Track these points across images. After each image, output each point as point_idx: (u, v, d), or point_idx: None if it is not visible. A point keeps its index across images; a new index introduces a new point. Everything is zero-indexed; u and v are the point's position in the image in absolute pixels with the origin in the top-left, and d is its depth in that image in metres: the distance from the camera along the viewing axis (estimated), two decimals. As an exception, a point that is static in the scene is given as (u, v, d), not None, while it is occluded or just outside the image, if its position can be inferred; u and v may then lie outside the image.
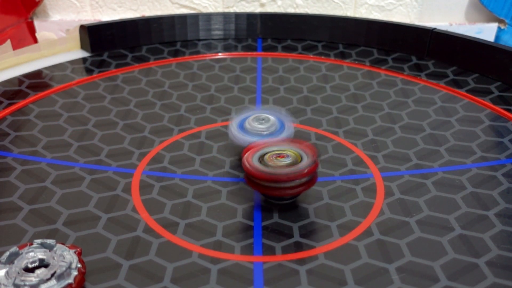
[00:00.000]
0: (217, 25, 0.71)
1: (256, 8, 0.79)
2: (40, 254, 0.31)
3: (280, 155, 0.38)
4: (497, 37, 0.80)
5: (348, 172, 0.44)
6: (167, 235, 0.36)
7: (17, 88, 0.57)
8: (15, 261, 0.31)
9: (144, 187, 0.41)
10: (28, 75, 0.60)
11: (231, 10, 0.79)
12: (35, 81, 0.58)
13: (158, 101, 0.55)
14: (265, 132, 0.43)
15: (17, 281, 0.29)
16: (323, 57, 0.66)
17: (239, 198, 0.40)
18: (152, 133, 0.49)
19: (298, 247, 0.35)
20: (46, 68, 0.62)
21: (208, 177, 0.43)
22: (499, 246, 0.35)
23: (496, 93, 0.57)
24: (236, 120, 0.44)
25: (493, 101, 0.55)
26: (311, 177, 0.38)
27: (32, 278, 0.29)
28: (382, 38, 0.68)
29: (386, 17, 0.80)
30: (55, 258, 0.31)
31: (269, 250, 0.35)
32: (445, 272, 0.33)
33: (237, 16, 0.71)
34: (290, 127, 0.44)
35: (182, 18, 0.70)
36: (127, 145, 0.47)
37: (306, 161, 0.37)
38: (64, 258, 0.31)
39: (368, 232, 0.37)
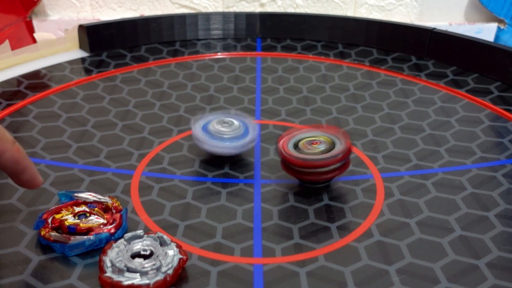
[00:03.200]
0: (216, 25, 0.71)
1: (256, 8, 0.79)
2: (153, 246, 0.33)
3: (313, 142, 0.40)
4: (496, 37, 0.80)
5: (348, 173, 0.43)
6: (166, 237, 0.36)
7: (15, 88, 0.57)
8: (131, 243, 0.33)
9: (144, 188, 0.41)
10: (27, 76, 0.60)
11: (231, 10, 0.79)
12: (34, 81, 0.58)
13: (157, 101, 0.55)
14: (228, 136, 0.43)
15: (120, 265, 0.31)
16: (322, 57, 0.66)
17: (238, 199, 0.40)
18: (151, 134, 0.49)
19: (298, 248, 0.35)
20: (44, 68, 0.61)
21: (207, 178, 0.43)
22: (500, 248, 0.35)
23: (496, 93, 0.57)
24: (200, 122, 0.44)
25: (493, 101, 0.55)
26: (345, 162, 0.39)
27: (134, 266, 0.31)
28: (381, 38, 0.68)
29: (386, 17, 0.80)
30: (160, 256, 0.32)
31: (269, 252, 0.35)
32: (446, 273, 0.33)
33: (237, 16, 0.71)
34: (255, 131, 0.44)
35: (181, 18, 0.69)
36: (126, 146, 0.47)
37: (340, 147, 0.39)
38: (167, 257, 0.32)
39: (368, 234, 0.37)
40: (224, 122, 0.44)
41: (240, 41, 0.70)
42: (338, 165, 0.39)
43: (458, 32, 0.64)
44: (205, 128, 0.44)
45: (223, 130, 0.43)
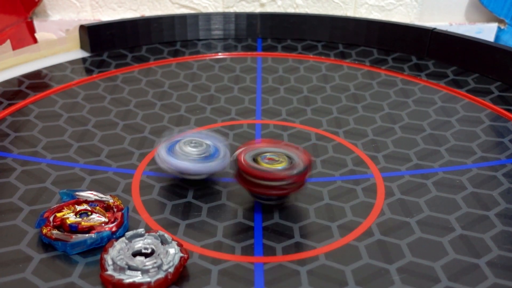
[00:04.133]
0: (217, 25, 0.71)
1: (256, 8, 0.79)
2: (154, 245, 0.33)
3: (273, 159, 0.38)
4: (497, 37, 0.80)
5: (349, 172, 0.44)
6: (167, 236, 0.36)
7: (16, 88, 0.57)
8: (132, 241, 0.33)
9: (144, 188, 0.41)
10: (28, 75, 0.60)
11: (231, 10, 0.79)
12: (35, 81, 0.58)
13: (158, 101, 0.55)
14: (196, 156, 0.40)
15: (121, 263, 0.31)
16: (323, 57, 0.66)
17: (239, 198, 0.40)
18: (152, 134, 0.49)
19: (298, 247, 0.35)
20: (45, 68, 0.62)
21: (208, 177, 0.43)
22: (500, 247, 0.35)
23: (496, 93, 0.57)
24: (166, 143, 0.41)
25: (493, 101, 0.55)
26: (298, 184, 0.37)
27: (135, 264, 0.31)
28: (382, 38, 0.68)
29: (386, 17, 0.80)
30: (161, 254, 0.32)
31: (269, 251, 0.35)
32: (446, 272, 0.33)
33: (237, 16, 0.71)
34: (226, 155, 0.41)
35: (182, 18, 0.70)
36: (127, 145, 0.47)
37: (299, 167, 0.37)
38: (168, 255, 0.32)
39: (368, 233, 0.37)
40: (193, 142, 0.41)
41: (241, 41, 0.70)
42: (288, 182, 0.36)
43: (458, 32, 0.64)
44: (170, 150, 0.40)
45: (192, 151, 0.40)
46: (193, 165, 0.39)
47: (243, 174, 0.37)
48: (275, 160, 0.38)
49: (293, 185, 0.37)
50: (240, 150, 0.39)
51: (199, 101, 0.55)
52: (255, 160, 0.38)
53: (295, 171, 0.36)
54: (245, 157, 0.38)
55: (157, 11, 0.80)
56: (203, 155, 0.40)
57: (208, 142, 0.41)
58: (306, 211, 0.39)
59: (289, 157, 0.38)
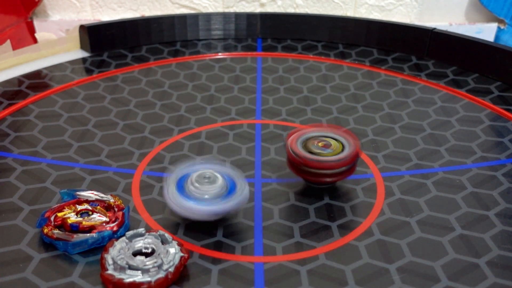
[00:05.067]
0: (217, 25, 0.71)
1: (256, 8, 0.79)
2: (154, 244, 0.33)
3: (322, 143, 0.40)
4: (497, 37, 0.80)
5: (349, 172, 0.44)
6: (167, 236, 0.36)
7: (17, 88, 0.57)
8: (133, 241, 0.33)
9: (145, 188, 0.41)
10: (28, 75, 0.60)
11: (231, 10, 0.79)
12: (35, 81, 0.58)
13: (158, 101, 0.55)
14: (209, 196, 0.34)
15: (121, 262, 0.31)
16: (323, 57, 0.66)
17: (239, 198, 0.40)
18: (152, 134, 0.49)
19: (298, 247, 0.35)
20: (45, 68, 0.62)
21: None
22: (500, 246, 0.35)
23: (496, 93, 0.57)
24: (173, 179, 0.36)
25: (493, 101, 0.55)
26: (351, 166, 0.39)
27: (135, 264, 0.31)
28: (382, 38, 0.68)
29: (386, 17, 0.80)
30: (161, 253, 0.32)
31: (269, 250, 0.35)
32: (446, 272, 0.33)
33: (237, 16, 0.71)
34: (244, 189, 0.36)
35: (182, 18, 0.70)
36: (127, 145, 0.47)
37: (348, 150, 0.39)
38: (168, 254, 0.32)
39: (368, 232, 0.37)
40: (205, 177, 0.35)
41: (241, 41, 0.70)
42: (344, 169, 0.39)
43: (458, 32, 0.64)
44: (181, 188, 0.35)
45: (205, 190, 0.35)
46: (214, 206, 0.34)
47: (295, 164, 0.39)
48: (326, 146, 0.39)
49: (346, 171, 0.39)
50: (290, 138, 0.40)
51: (199, 101, 0.55)
52: (306, 147, 0.40)
53: (347, 156, 0.38)
54: (296, 146, 0.39)
55: (157, 11, 0.80)
56: (221, 193, 0.35)
57: (220, 175, 0.36)
58: (306, 211, 0.39)
59: (337, 140, 0.40)
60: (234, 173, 0.37)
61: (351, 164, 0.39)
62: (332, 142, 0.40)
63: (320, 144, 0.40)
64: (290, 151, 0.39)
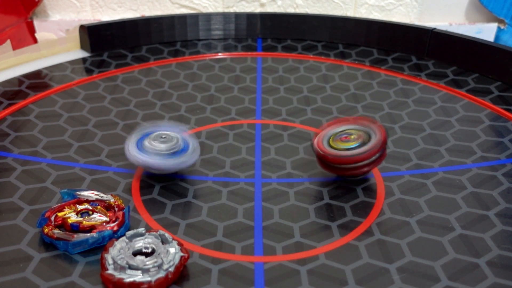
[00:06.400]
0: (217, 25, 0.71)
1: (256, 8, 0.79)
2: (154, 244, 0.33)
3: (346, 137, 0.40)
4: (497, 37, 0.80)
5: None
6: (167, 235, 0.36)
7: (17, 88, 0.57)
8: (133, 241, 0.33)
9: (145, 187, 0.41)
10: (28, 75, 0.60)
11: (231, 10, 0.79)
12: (35, 81, 0.58)
13: (158, 101, 0.55)
14: (165, 152, 0.39)
15: (121, 262, 0.31)
16: (323, 57, 0.66)
17: (239, 198, 0.40)
18: (153, 133, 0.49)
19: (298, 247, 0.35)
20: (46, 68, 0.62)
21: (208, 177, 0.43)
22: (500, 246, 0.35)
23: (496, 93, 0.57)
24: (134, 138, 0.41)
25: (493, 101, 0.55)
26: (381, 153, 0.40)
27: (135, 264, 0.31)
28: (382, 38, 0.68)
29: (386, 17, 0.80)
30: (162, 253, 0.32)
31: (269, 250, 0.35)
32: (446, 272, 0.33)
33: (237, 16, 0.71)
34: (195, 149, 0.41)
35: (182, 18, 0.70)
36: (127, 145, 0.47)
37: (374, 139, 0.39)
38: (168, 254, 0.32)
39: (368, 232, 0.37)
40: (162, 137, 0.40)
41: (241, 41, 0.70)
42: (374, 158, 0.39)
43: (458, 32, 0.64)
44: (139, 145, 0.40)
45: (161, 147, 0.39)
46: (163, 162, 0.39)
47: (323, 161, 0.40)
48: (349, 138, 0.40)
49: (374, 161, 0.40)
50: (317, 136, 0.41)
51: (199, 101, 0.55)
52: (330, 143, 0.40)
53: (370, 148, 0.39)
54: (322, 142, 0.40)
55: (157, 11, 0.80)
56: (172, 151, 0.39)
57: (178, 136, 0.41)
58: (306, 211, 0.39)
59: (363, 131, 0.41)
60: (190, 137, 0.42)
61: (381, 151, 0.40)
62: (355, 133, 0.41)
63: (347, 138, 0.40)
64: (319, 150, 0.40)
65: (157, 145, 0.39)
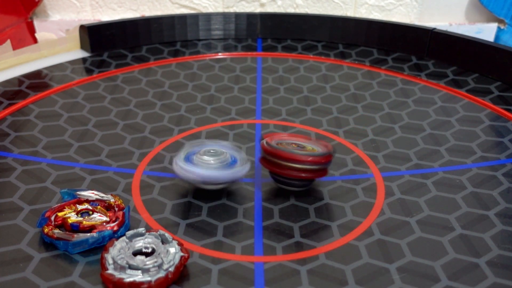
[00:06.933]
0: (217, 25, 0.71)
1: (256, 8, 0.79)
2: (154, 244, 0.33)
3: (298, 146, 0.40)
4: (497, 37, 0.80)
5: (349, 172, 0.44)
6: (167, 235, 0.36)
7: (17, 88, 0.57)
8: (133, 241, 0.33)
9: (145, 187, 0.41)
10: (28, 75, 0.60)
11: (231, 10, 0.79)
12: (35, 81, 0.58)
13: (158, 101, 0.55)
14: (218, 164, 0.39)
15: (121, 262, 0.31)
16: (323, 57, 0.66)
17: (239, 198, 0.40)
18: (152, 133, 0.49)
19: (298, 247, 0.35)
20: (46, 68, 0.62)
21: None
22: (500, 246, 0.35)
23: (496, 93, 0.57)
24: (181, 156, 0.40)
25: (493, 101, 0.55)
26: (320, 168, 0.39)
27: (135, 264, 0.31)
28: (382, 38, 0.68)
29: (386, 17, 0.80)
30: (162, 253, 0.32)
31: (269, 250, 0.35)
32: (446, 272, 0.33)
33: (237, 16, 0.71)
34: (245, 162, 0.40)
35: (182, 18, 0.70)
36: (127, 145, 0.47)
37: (321, 151, 0.39)
38: (168, 254, 0.32)
39: (368, 232, 0.37)
40: (211, 152, 0.40)
41: (241, 41, 0.70)
42: (313, 167, 0.38)
43: (458, 32, 0.64)
44: (188, 160, 0.40)
45: (210, 160, 0.39)
46: (218, 172, 0.38)
47: (267, 156, 0.39)
48: (300, 147, 0.40)
49: (315, 169, 0.38)
50: (267, 137, 0.41)
51: (199, 101, 0.55)
52: (279, 144, 0.40)
53: (316, 154, 0.38)
54: (271, 142, 0.40)
55: (157, 11, 0.80)
56: (224, 163, 0.39)
57: (224, 150, 0.41)
58: (306, 211, 0.39)
59: (312, 147, 0.40)
60: (235, 149, 0.42)
61: (323, 163, 0.39)
62: (306, 145, 0.41)
63: (294, 145, 0.40)
64: (265, 144, 0.40)
65: (208, 159, 0.39)
